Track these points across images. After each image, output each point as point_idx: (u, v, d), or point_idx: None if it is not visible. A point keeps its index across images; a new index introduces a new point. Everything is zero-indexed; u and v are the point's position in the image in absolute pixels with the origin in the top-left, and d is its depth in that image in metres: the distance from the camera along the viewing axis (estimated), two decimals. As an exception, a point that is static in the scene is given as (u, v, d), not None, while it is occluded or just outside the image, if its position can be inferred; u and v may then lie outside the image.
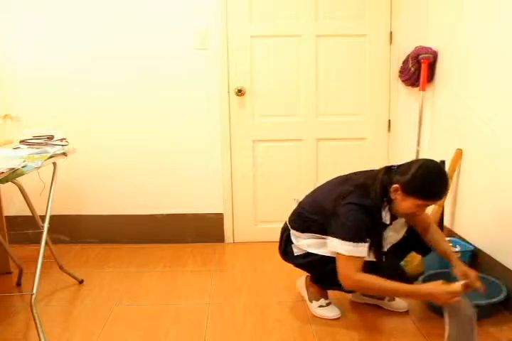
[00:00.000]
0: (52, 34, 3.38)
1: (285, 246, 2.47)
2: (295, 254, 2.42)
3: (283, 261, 2.54)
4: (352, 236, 2.12)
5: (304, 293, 2.59)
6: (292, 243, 2.42)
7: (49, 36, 3.38)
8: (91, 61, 3.41)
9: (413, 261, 2.84)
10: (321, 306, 2.49)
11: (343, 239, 2.12)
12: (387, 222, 2.23)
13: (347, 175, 2.42)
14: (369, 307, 2.56)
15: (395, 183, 2.12)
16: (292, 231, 2.43)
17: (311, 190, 2.55)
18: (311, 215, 2.35)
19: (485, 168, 2.73)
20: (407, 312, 2.49)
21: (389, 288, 2.11)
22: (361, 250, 2.11)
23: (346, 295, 2.60)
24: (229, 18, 3.38)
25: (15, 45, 3.38)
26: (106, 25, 3.38)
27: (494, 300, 2.36)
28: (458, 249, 2.81)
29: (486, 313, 2.40)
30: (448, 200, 3.05)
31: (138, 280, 2.98)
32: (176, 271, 3.14)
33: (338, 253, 2.14)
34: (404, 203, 2.12)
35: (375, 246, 2.19)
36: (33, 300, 2.24)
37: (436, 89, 3.32)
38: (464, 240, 2.91)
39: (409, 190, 2.08)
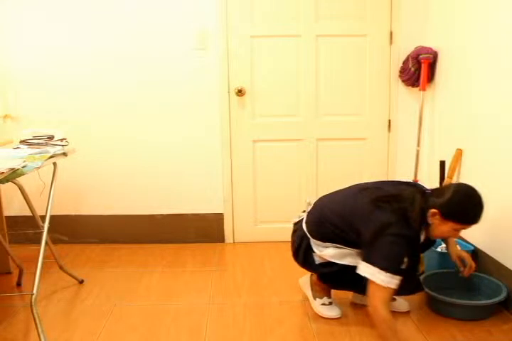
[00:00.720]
0: (52, 34, 3.38)
1: (305, 255, 2.41)
2: (316, 263, 2.38)
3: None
4: (392, 268, 2.06)
5: (308, 291, 2.59)
6: (313, 251, 2.37)
7: (49, 36, 3.38)
8: (91, 61, 3.41)
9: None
10: (323, 304, 2.50)
11: (383, 269, 2.05)
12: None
13: (376, 186, 2.33)
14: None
15: (433, 208, 2.09)
16: (313, 241, 2.37)
17: (329, 191, 2.51)
18: (336, 229, 2.28)
19: (485, 167, 2.73)
20: (407, 313, 2.49)
21: (394, 339, 2.05)
22: (396, 282, 2.06)
23: (348, 295, 2.61)
24: (229, 18, 3.38)
25: (15, 46, 3.38)
26: (106, 26, 3.38)
27: (494, 300, 2.36)
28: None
29: (487, 313, 2.40)
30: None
31: (138, 281, 2.98)
32: (176, 271, 3.14)
33: (372, 281, 2.08)
34: (442, 227, 2.11)
35: (409, 268, 2.14)
36: (33, 300, 2.24)
37: (437, 89, 3.33)
38: (464, 240, 2.91)
39: (447, 214, 2.07)
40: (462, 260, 2.52)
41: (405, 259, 2.07)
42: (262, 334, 2.32)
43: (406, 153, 3.52)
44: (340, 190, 2.46)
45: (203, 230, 3.63)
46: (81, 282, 2.94)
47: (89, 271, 3.11)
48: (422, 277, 2.59)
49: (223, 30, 3.38)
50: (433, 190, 2.19)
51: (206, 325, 2.42)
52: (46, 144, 2.62)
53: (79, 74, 3.43)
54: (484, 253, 2.72)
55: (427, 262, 2.86)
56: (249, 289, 2.85)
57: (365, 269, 2.11)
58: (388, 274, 2.04)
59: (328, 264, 2.33)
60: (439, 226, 2.11)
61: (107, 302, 2.68)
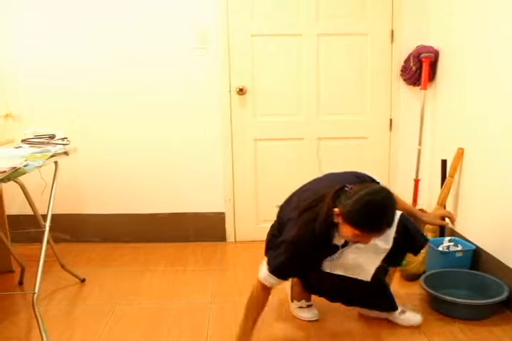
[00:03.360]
0: (53, 34, 3.38)
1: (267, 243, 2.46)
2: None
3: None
4: (279, 271, 2.11)
5: (288, 292, 2.59)
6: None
7: (50, 36, 3.38)
8: (92, 61, 3.41)
9: (414, 260, 2.84)
10: (300, 307, 2.50)
11: (271, 270, 2.10)
12: (339, 244, 2.13)
13: (314, 182, 2.39)
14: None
15: (338, 207, 1.96)
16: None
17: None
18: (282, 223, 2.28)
19: (486, 167, 2.73)
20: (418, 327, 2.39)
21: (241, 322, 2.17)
22: (271, 282, 2.13)
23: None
24: (230, 17, 3.37)
25: (16, 45, 3.38)
26: (106, 25, 3.37)
27: (496, 299, 2.36)
28: (460, 248, 2.81)
29: (488, 313, 2.40)
30: (450, 199, 3.05)
31: (140, 280, 2.98)
32: (177, 270, 3.14)
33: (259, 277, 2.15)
34: (345, 229, 1.97)
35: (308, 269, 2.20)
36: (34, 299, 2.24)
37: (438, 88, 3.32)
38: (465, 239, 2.91)
39: (347, 217, 1.93)
40: (443, 218, 2.53)
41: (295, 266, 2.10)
42: (263, 334, 2.32)
43: (407, 152, 3.52)
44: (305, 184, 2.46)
45: (205, 229, 3.63)
46: (83, 281, 2.95)
47: (91, 270, 3.11)
48: (423, 276, 2.60)
49: (224, 29, 3.38)
50: (350, 189, 2.00)
51: (208, 324, 2.43)
52: (47, 143, 2.63)
53: (80, 74, 3.43)
54: (486, 252, 2.72)
55: (429, 261, 2.86)
56: (250, 288, 2.84)
57: (264, 262, 2.16)
58: (274, 277, 2.10)
59: None
60: (343, 227, 1.98)
61: (109, 301, 2.68)
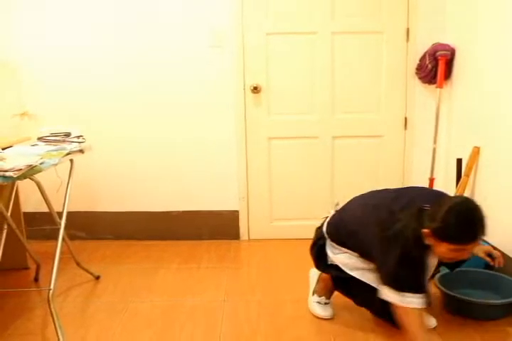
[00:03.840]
0: (68, 33, 3.40)
1: (318, 253, 2.38)
2: (328, 263, 2.35)
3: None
4: (407, 286, 2.00)
5: (312, 284, 2.57)
6: (326, 252, 2.35)
7: (65, 36, 3.40)
8: (106, 61, 3.43)
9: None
10: (318, 302, 2.49)
11: (397, 289, 2.01)
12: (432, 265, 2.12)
13: (395, 195, 2.22)
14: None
15: (426, 228, 1.95)
16: (329, 242, 2.33)
17: (354, 196, 2.41)
18: (351, 238, 2.22)
19: (502, 166, 2.71)
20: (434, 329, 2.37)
21: None
22: (418, 302, 1.99)
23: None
24: (245, 16, 3.37)
25: (31, 44, 3.41)
26: (122, 24, 3.39)
27: (510, 299, 2.34)
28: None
29: (503, 313, 2.38)
30: (465, 199, 3.03)
31: (153, 277, 2.99)
32: (191, 267, 3.15)
33: (395, 305, 2.04)
34: (439, 248, 1.96)
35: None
36: (50, 296, 2.27)
37: (454, 86, 3.30)
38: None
39: (440, 235, 1.92)
40: (489, 254, 2.39)
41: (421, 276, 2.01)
42: (276, 333, 2.32)
43: (422, 150, 3.50)
44: (368, 196, 2.35)
45: (218, 227, 3.64)
46: (97, 278, 2.97)
47: (105, 267, 3.13)
48: (437, 276, 2.58)
49: (239, 28, 3.38)
50: (430, 207, 2.00)
51: (221, 322, 2.43)
52: (63, 141, 2.64)
53: (95, 73, 3.45)
54: (501, 252, 2.69)
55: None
56: (263, 287, 2.85)
57: (384, 292, 2.06)
58: (406, 294, 1.99)
59: (339, 268, 2.30)
60: (436, 247, 1.97)
61: (123, 299, 2.70)
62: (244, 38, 3.40)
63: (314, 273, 2.58)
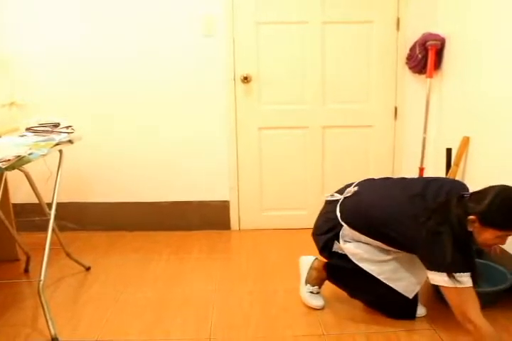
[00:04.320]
0: (59, 22, 3.36)
1: (327, 239, 2.32)
2: (333, 250, 2.32)
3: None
4: (454, 267, 1.99)
5: (304, 273, 2.54)
6: (337, 240, 2.30)
7: (56, 25, 3.36)
8: (97, 49, 3.40)
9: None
10: (311, 292, 2.49)
11: (446, 270, 1.99)
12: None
13: (421, 193, 2.17)
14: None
15: (472, 214, 1.94)
16: (346, 229, 2.26)
17: (367, 178, 2.40)
18: (381, 226, 2.16)
19: (492, 155, 2.72)
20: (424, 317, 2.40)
21: None
22: (467, 280, 1.98)
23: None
24: (235, 5, 3.35)
25: (21, 35, 3.37)
26: (111, 14, 3.35)
27: (501, 287, 2.36)
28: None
29: (493, 301, 2.40)
30: (454, 188, 3.04)
31: (144, 268, 2.99)
32: (182, 258, 3.15)
33: (445, 288, 2.02)
34: (484, 235, 1.95)
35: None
36: (40, 287, 2.26)
37: (444, 76, 3.30)
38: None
39: (486, 221, 1.92)
40: None
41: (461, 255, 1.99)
42: (267, 322, 2.33)
43: (412, 140, 3.51)
44: (386, 185, 2.32)
45: (209, 217, 3.64)
46: (88, 269, 2.96)
47: (96, 258, 3.13)
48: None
49: (229, 17, 3.35)
50: (472, 194, 2.03)
51: (212, 312, 2.44)
52: (52, 132, 2.62)
53: (86, 63, 3.42)
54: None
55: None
56: (254, 276, 2.86)
57: (433, 277, 2.04)
58: (455, 274, 1.97)
59: (345, 258, 2.28)
60: (480, 233, 1.96)
61: (114, 289, 2.70)
62: (234, 28, 3.37)
63: (305, 262, 2.56)
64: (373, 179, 2.41)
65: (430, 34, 3.24)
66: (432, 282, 2.04)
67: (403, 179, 2.34)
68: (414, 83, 3.46)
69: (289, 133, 3.54)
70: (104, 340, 2.21)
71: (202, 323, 2.33)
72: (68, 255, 2.93)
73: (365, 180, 2.39)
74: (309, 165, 3.59)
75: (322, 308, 2.44)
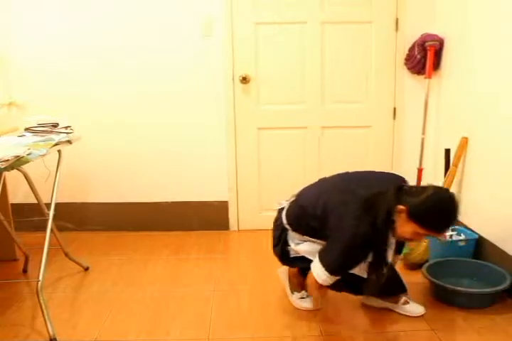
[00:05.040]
0: (57, 22, 3.36)
1: (282, 247, 2.38)
2: (291, 256, 2.36)
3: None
4: (339, 270, 2.12)
5: (286, 283, 2.58)
6: (289, 245, 2.35)
7: (53, 24, 3.36)
8: (95, 49, 3.40)
9: (418, 248, 2.85)
10: (302, 298, 2.50)
11: (332, 271, 2.10)
12: (392, 243, 2.14)
13: (356, 179, 2.25)
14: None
15: (403, 204, 1.97)
16: (290, 233, 2.33)
17: (311, 183, 2.43)
18: (312, 221, 2.21)
19: (490, 156, 2.72)
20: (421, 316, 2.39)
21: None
22: (329, 282, 2.14)
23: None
24: (234, 5, 3.35)
25: (19, 33, 3.37)
26: (110, 14, 3.35)
27: (498, 288, 2.36)
28: (462, 237, 2.81)
29: (491, 301, 2.41)
30: (453, 189, 3.05)
31: (143, 268, 2.99)
32: (180, 258, 3.15)
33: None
34: (405, 227, 1.99)
35: (375, 266, 2.13)
36: (39, 287, 2.26)
37: (443, 76, 3.30)
38: (468, 229, 2.91)
39: (414, 214, 1.95)
40: None
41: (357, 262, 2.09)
42: (266, 322, 2.33)
43: (411, 141, 3.51)
44: (321, 182, 2.38)
45: (208, 218, 3.64)
46: (86, 269, 2.96)
47: (95, 258, 3.12)
48: (426, 265, 2.60)
49: (228, 17, 3.35)
50: (411, 187, 2.06)
51: (211, 311, 2.44)
52: (51, 132, 2.63)
53: (83, 62, 3.42)
54: (489, 241, 2.72)
55: (431, 250, 2.87)
56: (253, 277, 2.86)
57: (314, 263, 2.15)
58: (331, 275, 2.10)
59: (303, 259, 2.30)
60: (403, 225, 1.99)
61: (112, 289, 2.70)
62: (233, 28, 3.37)
63: (282, 273, 2.61)
64: (324, 178, 2.40)
65: (429, 35, 3.24)
66: (312, 266, 2.14)
67: (347, 173, 2.34)
68: (412, 83, 3.46)
69: (288, 133, 3.54)
70: (102, 340, 2.21)
71: (201, 323, 2.33)
72: (67, 255, 2.93)
73: (316, 182, 2.42)
74: (308, 165, 3.59)
75: (318, 309, 2.45)
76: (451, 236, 2.81)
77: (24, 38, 3.38)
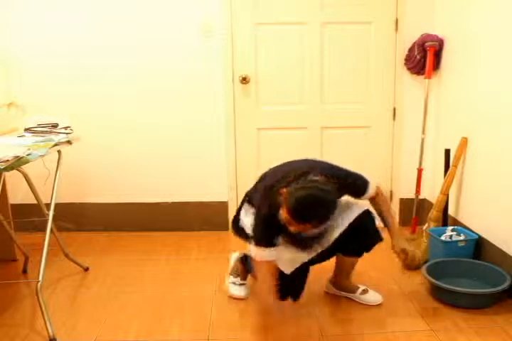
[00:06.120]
0: (57, 21, 3.36)
1: (236, 215, 2.50)
2: (239, 226, 2.44)
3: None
4: (263, 241, 2.16)
5: (230, 265, 2.67)
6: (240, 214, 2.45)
7: (53, 24, 3.36)
8: (96, 49, 3.40)
9: (418, 249, 2.85)
10: (233, 283, 2.59)
11: (256, 243, 2.16)
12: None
13: (288, 165, 2.40)
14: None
15: (287, 188, 1.97)
16: (245, 205, 2.45)
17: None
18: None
19: (490, 156, 2.72)
20: (380, 305, 2.46)
21: None
22: (261, 255, 2.16)
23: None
24: (233, 6, 3.35)
25: (19, 33, 3.37)
26: (111, 13, 3.35)
27: (498, 288, 2.36)
28: (462, 237, 2.81)
29: (490, 302, 2.41)
30: (453, 189, 3.05)
31: (143, 268, 2.99)
32: (180, 258, 3.15)
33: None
34: (283, 211, 1.97)
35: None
36: (38, 288, 2.26)
37: (442, 77, 3.31)
38: (468, 229, 2.91)
39: (287, 199, 1.94)
40: (406, 253, 2.36)
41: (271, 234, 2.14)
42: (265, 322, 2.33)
43: (411, 141, 3.51)
44: (285, 163, 2.48)
45: (208, 218, 3.64)
46: (86, 269, 2.96)
47: (95, 259, 3.12)
48: (425, 265, 2.60)
49: (228, 18, 3.35)
50: (306, 177, 2.05)
51: (211, 312, 2.43)
52: (50, 132, 2.63)
53: (83, 62, 3.42)
54: (489, 242, 2.72)
55: (431, 251, 2.87)
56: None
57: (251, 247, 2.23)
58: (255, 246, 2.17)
59: (246, 233, 2.35)
60: (283, 209, 1.97)
61: (112, 290, 2.70)
62: (233, 29, 3.37)
63: (235, 256, 2.69)
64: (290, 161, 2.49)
65: (428, 35, 3.24)
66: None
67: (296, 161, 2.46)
68: (412, 84, 3.46)
69: (288, 133, 3.54)
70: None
71: (201, 324, 2.33)
72: (66, 255, 2.93)
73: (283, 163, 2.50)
74: (308, 165, 3.58)
75: (244, 298, 2.52)
76: (450, 236, 2.80)
77: (24, 37, 3.38)
